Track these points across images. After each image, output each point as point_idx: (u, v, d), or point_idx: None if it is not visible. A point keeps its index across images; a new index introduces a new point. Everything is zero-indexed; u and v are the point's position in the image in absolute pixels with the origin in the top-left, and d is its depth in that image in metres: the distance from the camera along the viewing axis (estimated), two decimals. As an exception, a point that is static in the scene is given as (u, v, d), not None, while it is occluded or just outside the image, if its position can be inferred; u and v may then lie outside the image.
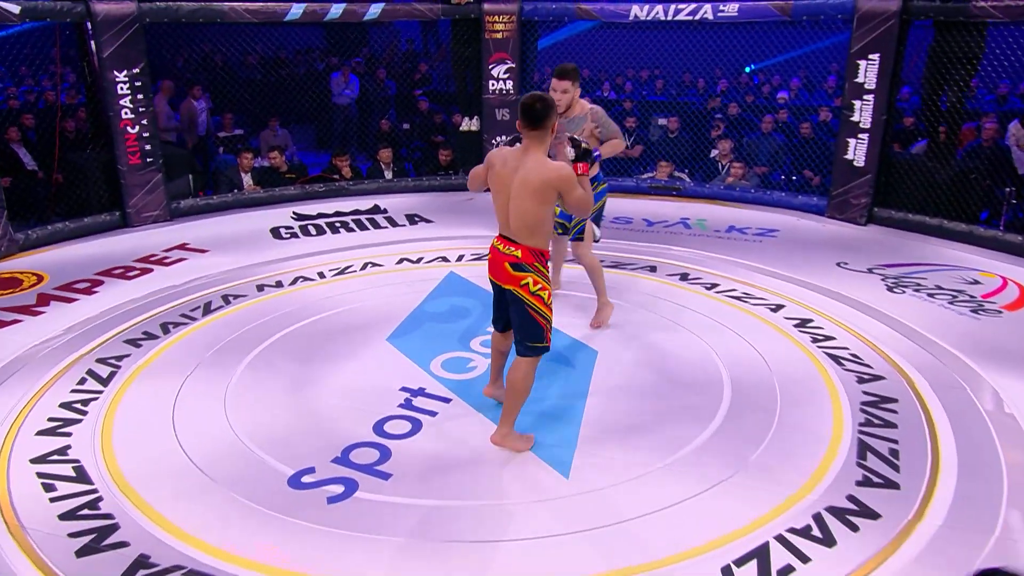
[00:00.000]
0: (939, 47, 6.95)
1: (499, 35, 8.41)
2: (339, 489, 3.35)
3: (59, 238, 6.96)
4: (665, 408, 4.04)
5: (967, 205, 7.01)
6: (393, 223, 7.58)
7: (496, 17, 8.36)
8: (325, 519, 3.16)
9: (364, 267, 6.22)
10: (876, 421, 3.89)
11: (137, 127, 7.23)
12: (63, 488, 3.37)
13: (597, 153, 4.56)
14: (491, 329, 3.91)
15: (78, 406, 4.07)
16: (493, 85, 8.57)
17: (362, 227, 7.46)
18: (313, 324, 5.12)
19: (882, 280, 5.92)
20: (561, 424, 3.88)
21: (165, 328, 5.05)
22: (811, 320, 5.14)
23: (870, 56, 7.06)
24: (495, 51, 8.46)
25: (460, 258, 6.36)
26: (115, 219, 7.37)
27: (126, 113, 7.15)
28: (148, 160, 7.36)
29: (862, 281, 5.90)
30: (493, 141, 8.68)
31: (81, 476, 3.46)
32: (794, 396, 4.15)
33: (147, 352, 4.72)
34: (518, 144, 3.47)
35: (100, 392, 4.23)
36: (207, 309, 5.36)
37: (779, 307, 5.36)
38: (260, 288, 5.75)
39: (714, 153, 8.90)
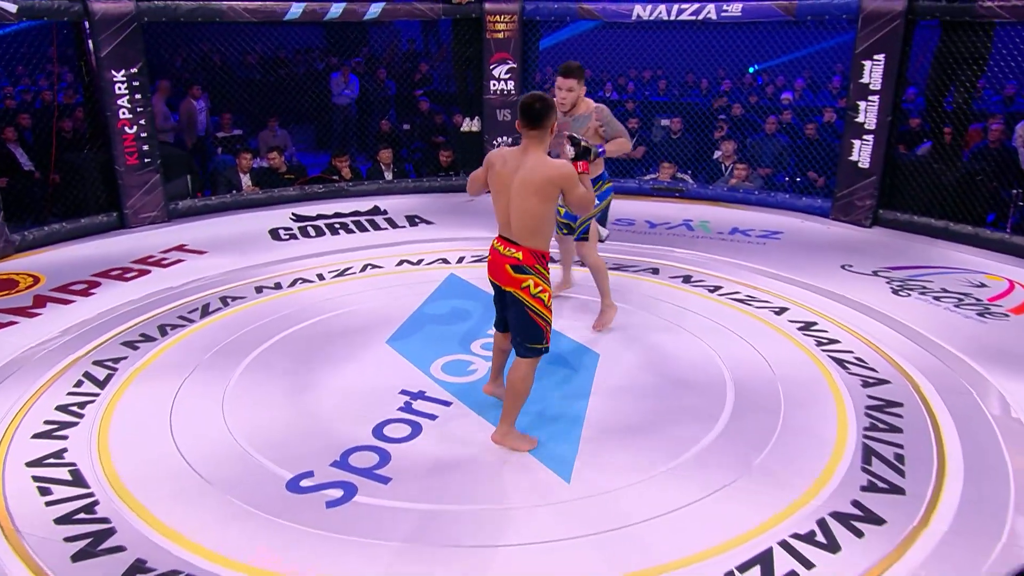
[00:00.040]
0: (945, 47, 6.95)
1: (500, 35, 8.42)
2: (338, 493, 3.35)
3: (56, 239, 6.97)
4: (667, 411, 4.04)
5: (973, 207, 7.00)
6: (393, 224, 7.59)
7: (497, 17, 8.37)
8: (324, 523, 3.15)
9: (364, 269, 6.22)
10: (881, 425, 3.89)
11: (135, 127, 7.24)
12: (59, 492, 3.36)
13: (602, 149, 4.57)
14: (492, 331, 3.91)
15: (74, 409, 4.07)
16: (494, 85, 8.58)
17: (362, 228, 7.46)
18: (312, 326, 5.12)
19: (887, 283, 5.92)
20: (562, 427, 3.87)
21: (163, 330, 5.06)
22: (815, 323, 5.14)
23: (875, 57, 7.06)
24: (496, 51, 8.46)
25: (461, 260, 6.36)
26: (112, 220, 7.38)
27: (124, 113, 7.16)
28: (146, 160, 7.37)
29: (867, 284, 5.90)
30: (494, 142, 8.69)
31: (77, 480, 3.45)
32: (798, 400, 4.15)
33: (144, 354, 4.72)
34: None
35: (97, 395, 4.23)
36: (205, 311, 5.36)
37: (783, 310, 5.36)
38: (259, 290, 5.75)
39: (717, 154, 8.90)
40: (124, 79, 7.10)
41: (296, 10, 7.85)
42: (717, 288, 5.76)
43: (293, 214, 7.92)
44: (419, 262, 6.36)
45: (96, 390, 4.28)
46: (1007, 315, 5.31)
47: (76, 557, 2.96)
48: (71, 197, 7.34)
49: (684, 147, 9.12)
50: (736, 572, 2.88)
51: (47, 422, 3.94)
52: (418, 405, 4.09)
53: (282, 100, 9.93)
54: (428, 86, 10.99)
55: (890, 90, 7.07)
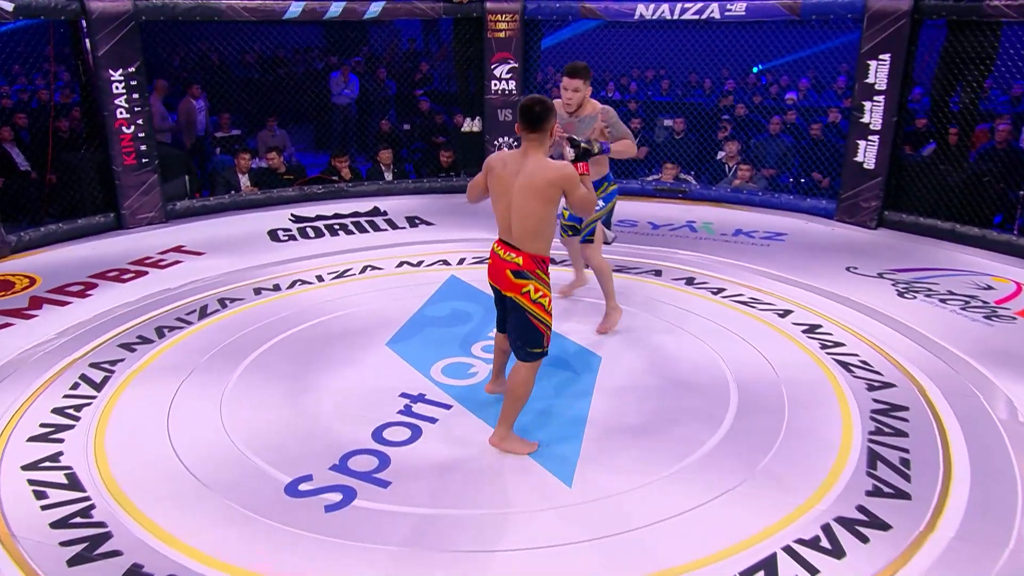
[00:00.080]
0: (952, 47, 6.95)
1: (502, 34, 8.42)
2: (337, 497, 3.34)
3: (52, 240, 6.97)
4: (670, 414, 4.03)
5: (980, 208, 7.00)
6: (393, 225, 7.59)
7: (499, 16, 8.38)
8: (322, 528, 3.15)
9: (363, 270, 6.22)
10: (886, 429, 3.89)
11: (132, 127, 7.25)
12: (55, 495, 3.36)
13: (607, 146, 4.58)
14: (492, 333, 3.91)
15: (71, 411, 4.07)
16: (495, 85, 8.58)
17: (361, 229, 7.46)
18: (311, 328, 5.12)
19: (893, 285, 5.92)
20: (564, 431, 3.87)
21: (160, 332, 5.06)
22: (820, 326, 5.13)
23: (881, 56, 7.06)
24: (497, 51, 8.47)
25: (461, 261, 6.36)
26: (109, 221, 7.38)
27: (121, 113, 7.17)
28: (143, 161, 7.37)
29: (872, 286, 5.89)
30: (496, 142, 8.70)
31: (73, 483, 3.45)
32: (802, 403, 4.14)
33: (142, 356, 4.72)
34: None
35: (93, 397, 4.23)
36: (203, 313, 5.36)
37: (787, 312, 5.35)
38: (257, 291, 5.75)
39: (721, 155, 8.90)
40: (122, 78, 7.10)
41: (295, 9, 7.86)
42: (720, 290, 5.75)
43: (292, 215, 7.93)
44: (419, 264, 6.36)
45: (93, 393, 4.28)
46: (1014, 318, 5.30)
47: (72, 562, 2.95)
48: (68, 197, 7.34)
49: (687, 148, 9.12)
50: (740, 578, 2.88)
51: (43, 425, 3.94)
52: (418, 408, 4.09)
53: (281, 100, 9.94)
54: (428, 86, 10.99)
55: (896, 90, 7.07)
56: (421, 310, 5.41)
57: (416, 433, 3.85)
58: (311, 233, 7.35)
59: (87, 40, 6.98)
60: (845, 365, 4.58)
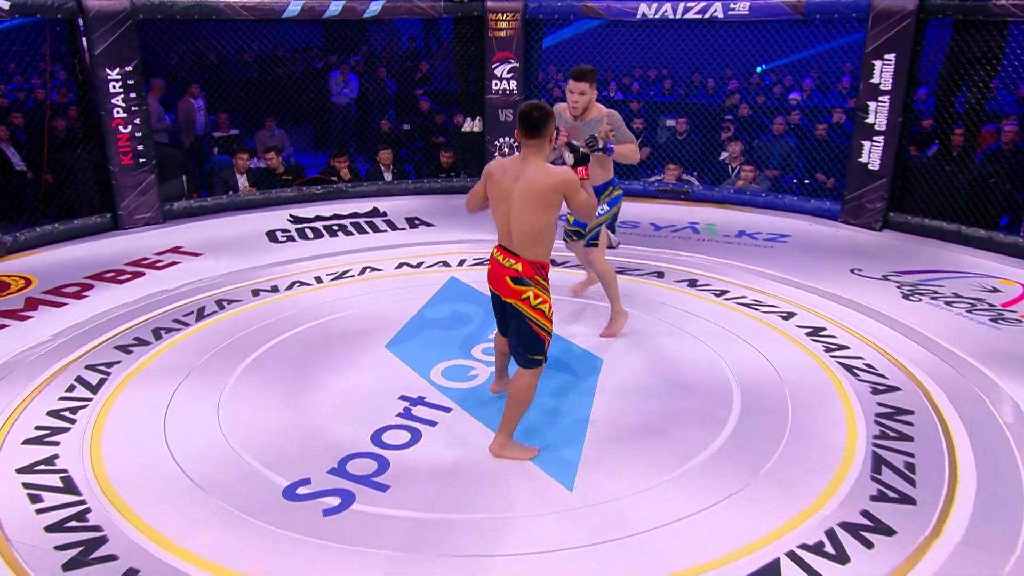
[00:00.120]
0: (957, 47, 6.95)
1: (502, 33, 8.43)
2: (335, 501, 3.34)
3: (48, 240, 6.98)
4: (672, 418, 4.03)
5: (986, 210, 7.00)
6: (393, 226, 7.59)
7: (500, 15, 8.38)
8: (320, 531, 3.15)
9: (363, 272, 6.22)
10: (891, 433, 3.88)
11: (129, 127, 7.26)
12: (50, 499, 3.36)
13: (611, 147, 4.59)
14: (492, 336, 3.92)
15: (66, 414, 4.07)
16: (496, 85, 8.59)
17: (361, 230, 7.47)
18: (310, 330, 5.12)
19: (898, 287, 5.91)
20: (565, 435, 3.87)
21: (157, 334, 5.06)
22: (824, 328, 5.13)
23: (886, 56, 7.06)
24: (498, 50, 8.47)
25: (462, 263, 6.36)
26: (106, 221, 7.39)
27: (118, 112, 7.18)
28: (140, 161, 7.38)
29: (877, 288, 5.89)
30: (496, 142, 8.70)
31: (69, 487, 3.45)
32: (806, 407, 4.14)
33: (138, 358, 4.72)
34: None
35: (89, 400, 4.23)
36: (200, 314, 5.36)
37: (790, 315, 5.35)
38: (255, 293, 5.76)
39: (724, 156, 8.90)
40: (118, 77, 7.11)
41: (294, 7, 7.86)
42: (723, 292, 5.75)
43: (291, 216, 7.93)
44: (419, 265, 6.36)
45: (88, 395, 4.28)
46: (1021, 321, 5.30)
47: (67, 566, 2.95)
48: (64, 198, 7.35)
49: (690, 148, 9.12)
50: (743, 583, 2.87)
51: (38, 428, 3.94)
52: (418, 411, 4.08)
53: (280, 99, 9.94)
54: (429, 85, 11.00)
55: (901, 90, 7.07)
56: (421, 312, 5.41)
57: (416, 436, 3.85)
58: (310, 234, 7.35)
59: (84, 38, 6.99)
60: (849, 368, 4.58)
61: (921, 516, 3.25)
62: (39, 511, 3.28)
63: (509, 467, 3.59)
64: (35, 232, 6.94)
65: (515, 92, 8.55)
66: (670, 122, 9.43)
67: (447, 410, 4.10)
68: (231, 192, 8.27)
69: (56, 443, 3.80)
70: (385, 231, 7.45)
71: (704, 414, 4.07)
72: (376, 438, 3.82)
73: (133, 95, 7.21)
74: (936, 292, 5.80)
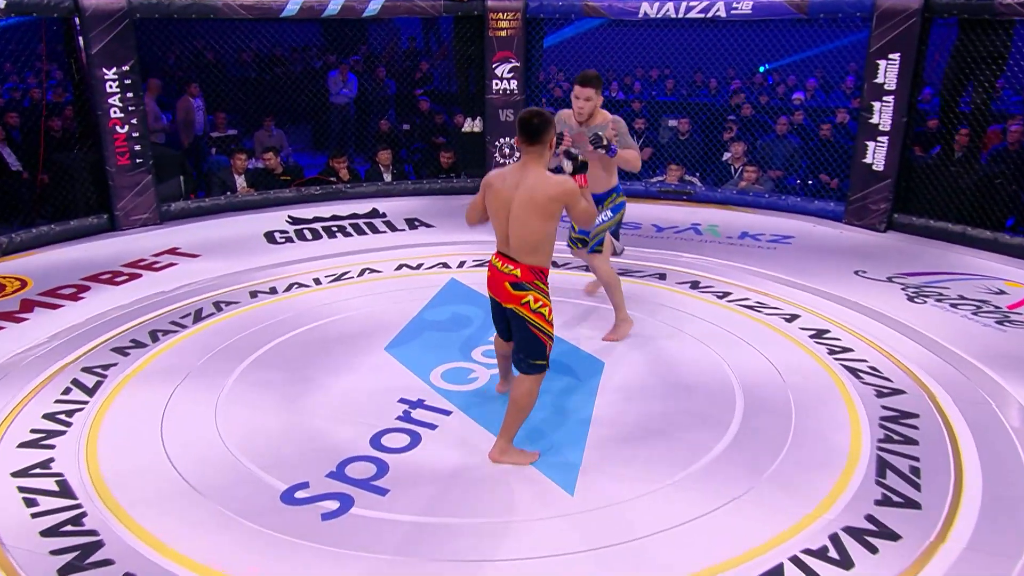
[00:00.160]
0: (963, 46, 6.95)
1: (503, 33, 8.43)
2: (334, 505, 3.34)
3: (44, 241, 6.98)
4: (674, 422, 4.03)
5: (992, 211, 6.99)
6: (392, 227, 7.60)
7: (500, 14, 8.39)
8: (319, 536, 3.15)
9: (362, 273, 6.22)
10: (896, 437, 3.88)
11: (126, 127, 7.26)
12: (45, 503, 3.36)
13: (614, 149, 4.61)
14: (492, 339, 3.92)
15: (62, 417, 4.07)
16: (496, 85, 8.59)
17: (360, 231, 7.47)
18: (309, 332, 5.12)
19: (902, 289, 5.91)
20: (565, 438, 3.87)
21: (154, 336, 5.06)
22: (828, 331, 5.13)
23: (890, 55, 7.06)
24: (499, 49, 8.48)
25: (462, 264, 6.36)
26: (103, 222, 7.39)
27: (115, 112, 7.18)
28: (137, 161, 7.38)
29: (881, 290, 5.89)
30: (496, 143, 8.71)
31: (64, 490, 3.45)
32: (810, 410, 4.14)
33: (135, 361, 4.72)
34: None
35: (85, 402, 4.23)
36: (198, 316, 5.36)
37: (794, 317, 5.35)
38: (253, 295, 5.76)
39: (726, 156, 8.90)
40: (115, 77, 7.12)
41: (293, 6, 7.87)
42: (726, 294, 5.75)
43: (289, 216, 7.93)
44: (419, 266, 6.37)
45: (85, 398, 4.28)
46: (1027, 323, 5.30)
47: (63, 571, 2.95)
48: (60, 198, 7.35)
49: (692, 149, 9.12)
50: (746, 589, 2.87)
51: (34, 431, 3.93)
52: (417, 414, 4.08)
53: (278, 99, 9.96)
54: (428, 85, 11.01)
55: (905, 90, 7.07)
56: (421, 314, 5.41)
57: (415, 440, 3.85)
58: (308, 235, 7.35)
59: (80, 38, 7.00)
60: (853, 371, 4.57)
61: (926, 521, 3.24)
62: (34, 515, 3.28)
63: (510, 471, 3.59)
64: (31, 233, 6.94)
65: (516, 92, 8.56)
66: (672, 122, 9.44)
67: (447, 413, 4.10)
68: (229, 193, 8.27)
69: (52, 446, 3.80)
70: (384, 232, 7.46)
71: (706, 417, 4.06)
72: (375, 441, 3.82)
73: (130, 95, 7.22)
74: (941, 294, 5.80)
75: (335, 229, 7.52)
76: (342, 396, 4.31)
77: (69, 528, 3.20)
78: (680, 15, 8.01)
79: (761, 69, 12.32)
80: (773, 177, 8.60)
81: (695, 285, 5.94)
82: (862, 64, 7.41)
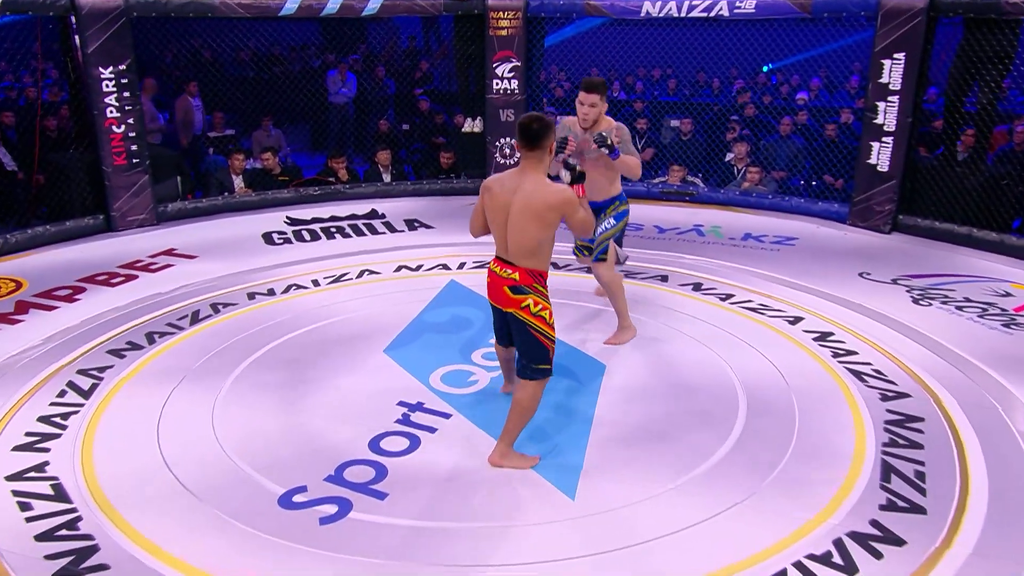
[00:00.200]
0: (968, 46, 6.95)
1: (504, 32, 8.44)
2: (332, 509, 3.34)
3: (39, 242, 6.98)
4: (676, 425, 4.03)
5: (998, 213, 6.99)
6: (391, 228, 7.60)
7: (501, 13, 8.39)
8: (317, 540, 3.14)
9: (361, 275, 6.22)
10: (901, 441, 3.87)
11: (123, 126, 7.27)
12: (40, 507, 3.36)
13: (617, 152, 4.62)
14: (493, 341, 3.93)
15: (57, 420, 4.07)
16: (497, 84, 8.60)
17: (359, 232, 7.47)
18: (307, 334, 5.12)
19: (907, 291, 5.91)
20: (566, 442, 3.87)
21: (150, 338, 5.06)
22: (832, 333, 5.13)
23: (895, 55, 7.07)
24: (499, 49, 8.48)
25: (462, 266, 6.36)
26: (99, 223, 7.39)
27: (111, 112, 7.19)
28: (134, 161, 7.39)
29: (886, 292, 5.89)
30: (497, 143, 8.71)
31: (59, 494, 3.45)
32: (813, 414, 4.13)
33: (131, 363, 4.72)
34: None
35: (81, 405, 4.22)
36: (195, 318, 5.36)
37: (798, 319, 5.35)
38: (251, 296, 5.76)
39: (729, 156, 8.91)
40: (112, 76, 7.13)
41: (291, 5, 7.88)
42: (729, 296, 5.75)
43: (287, 217, 7.93)
44: (418, 268, 6.37)
45: (80, 400, 4.27)
46: (1033, 326, 5.30)
47: None
48: (56, 199, 7.35)
49: (695, 149, 9.13)
50: (749, 594, 2.87)
51: (28, 434, 3.93)
52: (416, 417, 4.08)
53: (276, 99, 9.96)
54: (428, 85, 11.02)
55: (910, 90, 7.07)
56: (420, 316, 5.41)
57: (414, 443, 3.85)
58: (307, 236, 7.35)
59: (76, 36, 7.01)
60: (858, 374, 4.57)
61: (931, 526, 3.24)
62: (29, 519, 3.28)
63: (510, 474, 3.59)
64: (26, 234, 6.94)
65: (516, 92, 8.56)
66: (674, 122, 9.44)
67: (447, 416, 4.10)
68: (226, 193, 8.28)
69: (47, 449, 3.79)
70: (384, 233, 7.46)
71: (709, 421, 4.06)
72: (374, 444, 3.82)
73: (127, 94, 7.22)
74: (947, 296, 5.80)
75: (334, 230, 7.52)
76: (341, 399, 4.30)
77: (64, 532, 3.19)
78: (683, 14, 8.01)
79: (764, 69, 12.33)
80: (776, 178, 8.61)
81: (697, 287, 5.94)
82: (866, 64, 7.43)
